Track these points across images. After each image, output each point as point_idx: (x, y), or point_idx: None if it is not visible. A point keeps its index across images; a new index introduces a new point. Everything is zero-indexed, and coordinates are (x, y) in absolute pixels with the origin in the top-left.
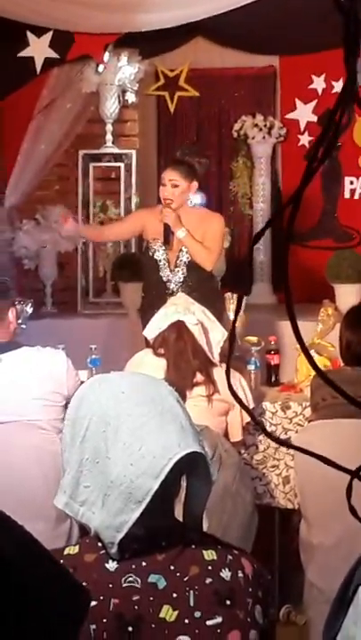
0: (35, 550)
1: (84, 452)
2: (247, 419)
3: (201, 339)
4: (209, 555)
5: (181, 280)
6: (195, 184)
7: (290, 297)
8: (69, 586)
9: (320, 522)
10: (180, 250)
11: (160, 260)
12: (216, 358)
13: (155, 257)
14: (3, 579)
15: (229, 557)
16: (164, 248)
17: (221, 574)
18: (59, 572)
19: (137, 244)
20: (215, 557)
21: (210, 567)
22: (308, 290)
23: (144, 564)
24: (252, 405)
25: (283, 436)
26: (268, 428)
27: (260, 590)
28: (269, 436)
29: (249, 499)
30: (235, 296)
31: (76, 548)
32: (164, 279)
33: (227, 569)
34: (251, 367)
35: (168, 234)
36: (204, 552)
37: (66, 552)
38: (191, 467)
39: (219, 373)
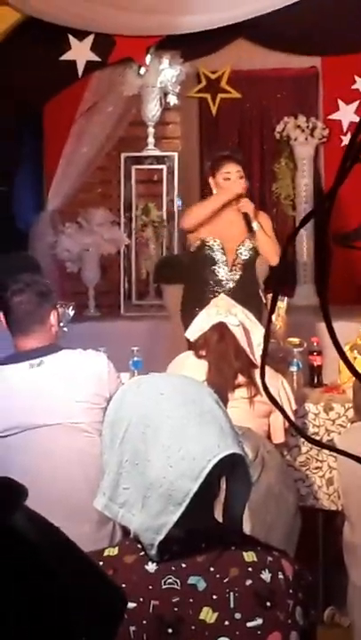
0: (72, 552)
1: (124, 454)
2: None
3: (243, 340)
4: (249, 556)
5: (238, 279)
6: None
7: (325, 298)
8: (107, 588)
9: None
10: (239, 247)
11: (218, 259)
12: (258, 360)
13: (212, 256)
14: (42, 580)
15: (269, 559)
16: (221, 247)
17: (261, 576)
18: (96, 575)
19: (180, 246)
20: (255, 559)
21: (250, 569)
22: (352, 291)
23: (184, 565)
24: (294, 407)
25: (326, 438)
26: (311, 430)
27: (301, 592)
28: (309, 439)
29: (292, 500)
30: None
31: (116, 549)
32: (221, 278)
33: (267, 570)
34: (293, 368)
35: (249, 223)
36: (244, 554)
37: (105, 554)
38: (231, 468)
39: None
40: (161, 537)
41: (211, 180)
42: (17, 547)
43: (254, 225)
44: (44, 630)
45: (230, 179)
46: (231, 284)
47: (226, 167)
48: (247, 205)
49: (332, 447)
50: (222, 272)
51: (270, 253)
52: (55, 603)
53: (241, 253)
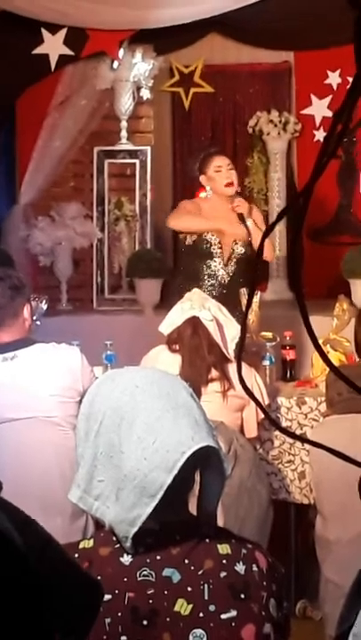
0: (50, 547)
1: (99, 447)
2: (263, 415)
3: (216, 335)
4: (223, 549)
5: (232, 273)
6: None
7: (301, 292)
8: (83, 581)
9: (336, 517)
10: (235, 242)
11: (215, 253)
12: (231, 354)
13: (211, 250)
14: (18, 574)
15: (243, 551)
16: (218, 241)
17: (236, 568)
18: (73, 568)
19: (152, 241)
20: (230, 551)
21: (224, 561)
22: (325, 285)
23: (158, 557)
24: (266, 401)
25: (298, 432)
26: (284, 424)
27: (275, 584)
28: (284, 431)
29: (265, 494)
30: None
31: (91, 541)
32: (217, 272)
33: (241, 562)
34: (266, 362)
35: (245, 224)
36: (218, 546)
37: (81, 546)
38: (205, 461)
39: (234, 369)
40: (135, 529)
41: (202, 177)
42: None
43: (249, 223)
44: (18, 622)
45: (221, 170)
46: (226, 279)
47: (216, 160)
48: (242, 206)
49: (305, 439)
50: (217, 266)
51: (267, 250)
52: (30, 596)
53: (237, 248)
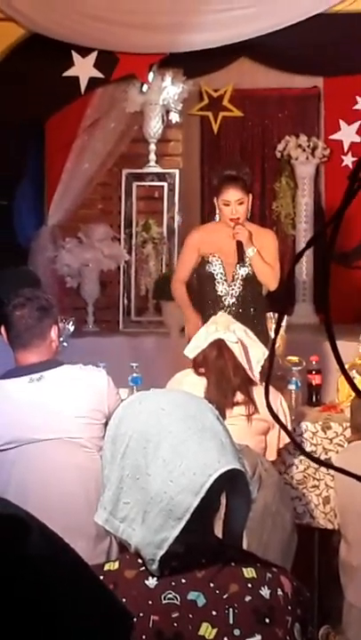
0: (83, 575)
1: (125, 469)
2: (286, 439)
3: (241, 357)
4: (248, 572)
5: (238, 294)
6: (250, 197)
7: (329, 317)
8: (115, 611)
9: (360, 543)
10: (238, 263)
11: (217, 274)
12: (256, 377)
13: (212, 271)
14: (48, 604)
15: (269, 575)
16: (220, 262)
17: (261, 592)
18: (106, 597)
19: None
20: (255, 575)
21: (250, 585)
22: (351, 310)
23: (183, 580)
24: (290, 426)
25: (323, 457)
26: (309, 449)
27: (300, 609)
28: (308, 456)
29: (289, 518)
30: (276, 315)
31: (116, 564)
32: (221, 293)
33: (266, 587)
34: (292, 387)
35: (242, 252)
36: (243, 570)
37: (106, 568)
38: (231, 484)
39: (259, 392)
40: (162, 551)
41: (215, 200)
42: (26, 576)
43: (249, 251)
44: None
45: (229, 205)
46: (231, 300)
47: (226, 194)
48: (241, 234)
49: (330, 464)
50: (221, 287)
51: (267, 279)
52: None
53: (239, 269)
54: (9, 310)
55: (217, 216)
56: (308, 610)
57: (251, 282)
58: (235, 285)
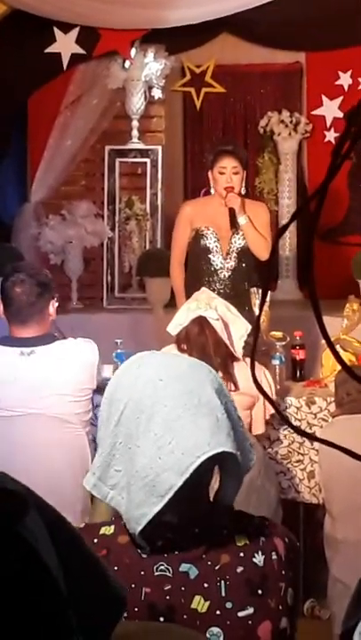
0: (79, 548)
1: (118, 436)
2: (271, 411)
3: (223, 333)
4: (241, 540)
5: (233, 267)
6: (244, 173)
7: (314, 292)
8: (109, 586)
9: (345, 517)
10: (233, 236)
11: (212, 248)
12: (239, 352)
13: (207, 244)
14: (44, 578)
15: (262, 539)
16: (215, 234)
17: (254, 559)
18: (100, 572)
19: (163, 240)
20: (247, 541)
21: (241, 554)
22: (335, 286)
23: (176, 552)
24: (274, 397)
25: (307, 431)
26: (293, 423)
27: (292, 569)
28: (294, 428)
29: (273, 493)
30: (260, 291)
31: (112, 528)
32: (216, 267)
33: (260, 552)
34: (276, 362)
35: (234, 219)
36: (236, 537)
37: (102, 532)
38: (222, 462)
39: (241, 368)
40: (140, 527)
41: (209, 174)
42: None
43: (241, 219)
44: (39, 626)
45: (225, 173)
46: (226, 273)
47: (222, 161)
48: (233, 200)
49: (315, 437)
50: (217, 261)
51: (259, 249)
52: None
53: (235, 242)
54: (7, 286)
55: (212, 189)
56: (298, 566)
57: (245, 254)
58: (230, 258)
